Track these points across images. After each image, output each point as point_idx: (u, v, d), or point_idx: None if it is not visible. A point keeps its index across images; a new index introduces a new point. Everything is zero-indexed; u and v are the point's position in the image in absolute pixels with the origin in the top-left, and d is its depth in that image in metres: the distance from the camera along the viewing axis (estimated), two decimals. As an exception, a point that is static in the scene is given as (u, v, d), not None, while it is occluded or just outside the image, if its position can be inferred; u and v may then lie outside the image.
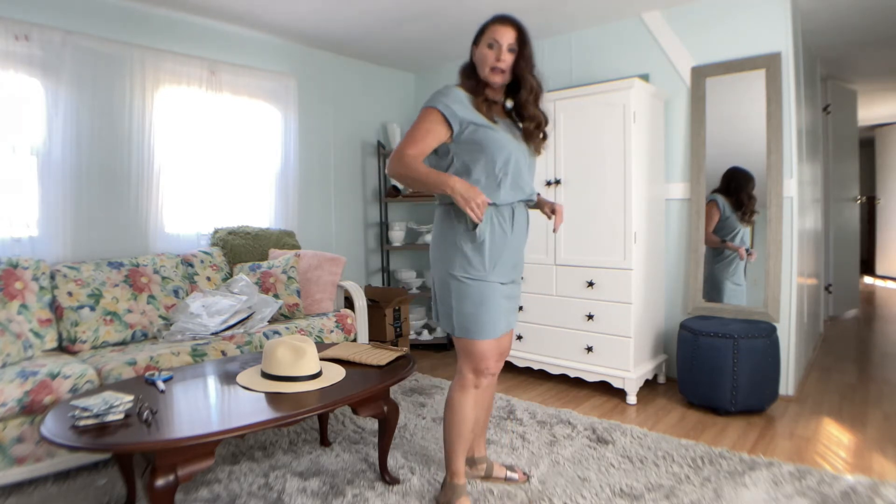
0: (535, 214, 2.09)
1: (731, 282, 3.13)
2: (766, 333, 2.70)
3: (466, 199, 1.62)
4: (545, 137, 1.87)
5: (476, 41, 1.78)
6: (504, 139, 1.73)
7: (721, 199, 3.13)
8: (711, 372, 2.71)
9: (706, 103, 3.16)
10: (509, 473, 2.06)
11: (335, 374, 1.99)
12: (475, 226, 1.71)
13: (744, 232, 3.11)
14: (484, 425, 2.05)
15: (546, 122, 1.85)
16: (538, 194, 1.98)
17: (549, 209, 1.94)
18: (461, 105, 1.71)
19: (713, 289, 3.18)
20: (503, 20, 1.75)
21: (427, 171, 1.68)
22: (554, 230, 1.89)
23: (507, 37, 1.72)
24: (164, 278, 2.87)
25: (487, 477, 2.05)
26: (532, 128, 1.82)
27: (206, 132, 3.29)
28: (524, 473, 2.09)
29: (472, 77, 1.78)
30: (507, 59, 1.72)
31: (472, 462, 2.05)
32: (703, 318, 3.03)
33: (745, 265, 3.11)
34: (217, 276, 3.12)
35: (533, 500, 1.93)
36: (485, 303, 1.75)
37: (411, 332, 4.21)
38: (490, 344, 1.78)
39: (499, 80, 1.74)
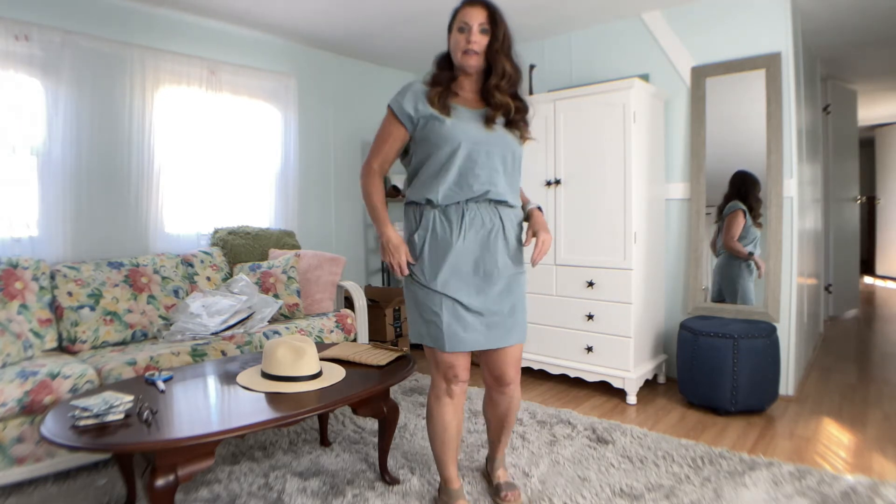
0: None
1: (751, 285, 3.09)
2: (766, 333, 2.70)
3: (386, 252, 1.67)
4: (525, 124, 1.73)
5: (449, 28, 1.71)
6: (452, 131, 1.62)
7: (744, 207, 3.06)
8: (711, 372, 2.71)
9: (706, 103, 3.16)
10: (505, 482, 1.94)
11: (335, 374, 1.99)
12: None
13: (759, 237, 3.07)
14: (505, 432, 1.93)
15: (522, 110, 1.72)
16: (537, 207, 1.79)
17: (532, 232, 1.71)
18: (414, 100, 1.66)
19: (734, 293, 3.12)
20: (472, 2, 1.66)
21: (375, 202, 1.72)
22: (532, 263, 1.64)
23: (477, 17, 1.63)
24: (164, 278, 2.87)
25: (488, 476, 2.05)
26: (496, 116, 1.67)
27: (206, 132, 3.29)
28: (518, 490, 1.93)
29: (442, 66, 1.73)
30: (480, 41, 1.63)
31: (490, 460, 2.02)
32: (703, 318, 3.02)
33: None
34: (217, 276, 3.12)
35: (533, 500, 1.92)
36: (433, 312, 1.65)
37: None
38: (452, 355, 1.68)
39: (473, 62, 1.65)
